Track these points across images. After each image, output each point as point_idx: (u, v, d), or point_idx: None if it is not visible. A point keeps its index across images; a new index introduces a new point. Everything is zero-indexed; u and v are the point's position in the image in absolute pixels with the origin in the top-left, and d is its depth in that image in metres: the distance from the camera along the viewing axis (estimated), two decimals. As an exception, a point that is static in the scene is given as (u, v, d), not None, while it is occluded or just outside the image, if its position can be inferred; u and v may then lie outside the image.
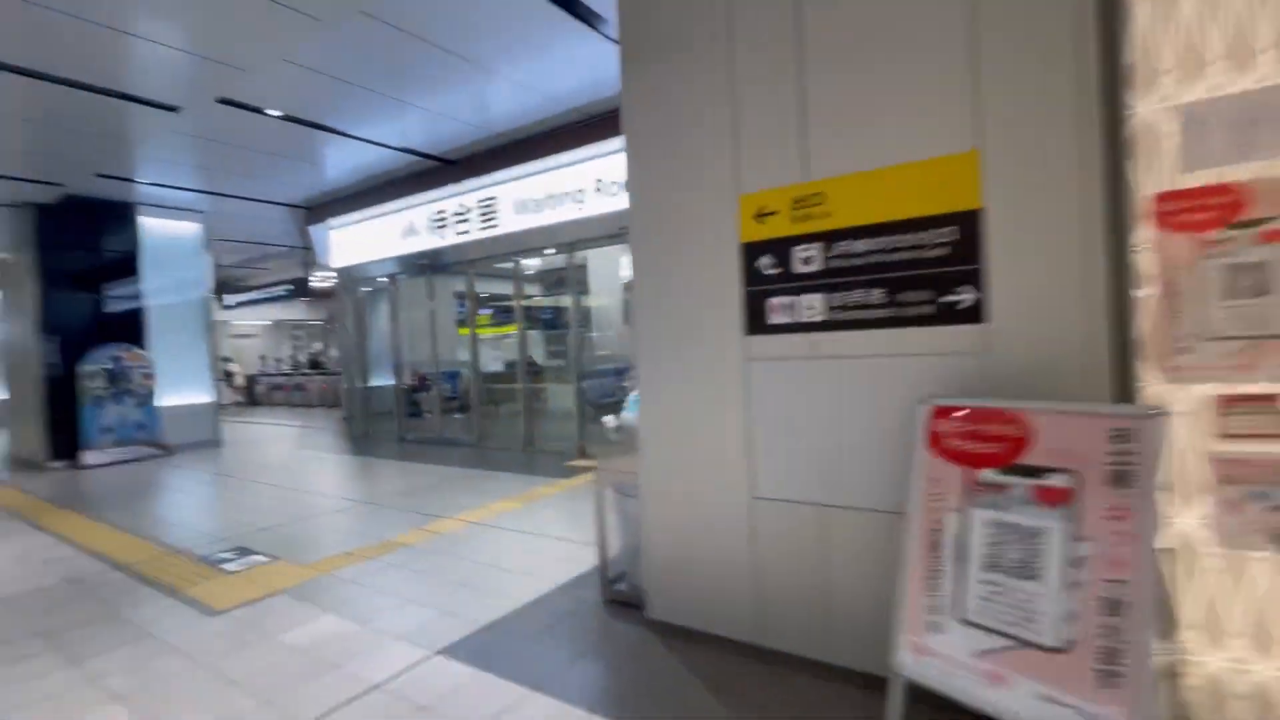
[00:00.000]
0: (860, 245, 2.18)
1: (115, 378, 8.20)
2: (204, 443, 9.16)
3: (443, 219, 8.00)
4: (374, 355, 9.96)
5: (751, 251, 2.42)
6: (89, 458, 7.87)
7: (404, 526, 4.49)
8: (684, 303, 2.62)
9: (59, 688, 2.48)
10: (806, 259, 2.29)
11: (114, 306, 8.53)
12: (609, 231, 6.70)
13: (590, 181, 6.59)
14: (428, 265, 8.52)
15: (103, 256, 8.47)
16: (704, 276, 2.55)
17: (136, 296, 8.72)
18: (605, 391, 7.37)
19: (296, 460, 7.84)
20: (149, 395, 8.47)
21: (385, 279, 9.29)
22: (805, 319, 2.30)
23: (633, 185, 2.77)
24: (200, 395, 9.37)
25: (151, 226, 8.93)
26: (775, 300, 2.36)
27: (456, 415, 9.12)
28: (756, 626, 2.48)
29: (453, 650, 2.61)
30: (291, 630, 2.87)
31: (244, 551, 4.06)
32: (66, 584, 3.64)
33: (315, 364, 19.32)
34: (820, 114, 2.25)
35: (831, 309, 2.25)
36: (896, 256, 2.12)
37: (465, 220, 7.78)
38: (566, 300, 7.63)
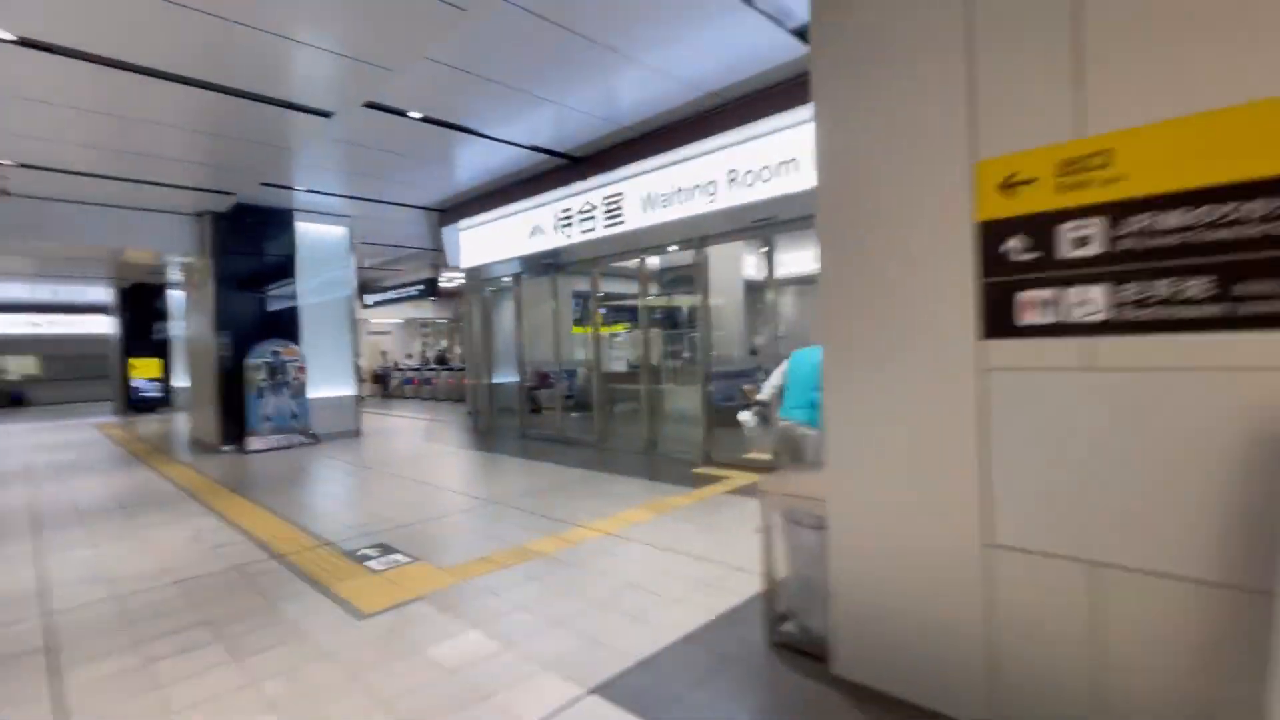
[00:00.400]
0: (1172, 218, 1.61)
1: (275, 371, 8.92)
2: (346, 433, 9.77)
3: (568, 217, 7.93)
4: (498, 353, 10.18)
5: (993, 232, 1.91)
6: (252, 443, 8.61)
7: (536, 532, 4.32)
8: (890, 297, 2.14)
9: (221, 687, 2.46)
10: (1081, 239, 1.74)
11: (274, 305, 9.30)
12: (742, 225, 6.26)
13: (723, 172, 6.18)
14: (551, 264, 8.51)
15: (265, 259, 9.26)
16: (919, 265, 2.07)
17: (293, 296, 9.47)
18: (731, 394, 6.94)
19: (428, 453, 8.09)
20: (301, 388, 9.15)
21: (510, 278, 9.43)
22: (1077, 318, 1.75)
23: (823, 158, 2.33)
24: (343, 388, 10.01)
25: (306, 231, 9.66)
26: (1029, 294, 1.84)
27: (575, 414, 9.08)
28: (988, 706, 1.96)
29: (607, 690, 2.32)
30: (438, 645, 2.72)
31: (386, 549, 4.07)
32: (231, 570, 3.78)
33: (441, 360, 20.42)
34: (1105, 40, 1.70)
35: (1120, 305, 1.69)
36: (1233, 233, 1.53)
37: (590, 218, 7.65)
38: (693, 299, 7.28)
